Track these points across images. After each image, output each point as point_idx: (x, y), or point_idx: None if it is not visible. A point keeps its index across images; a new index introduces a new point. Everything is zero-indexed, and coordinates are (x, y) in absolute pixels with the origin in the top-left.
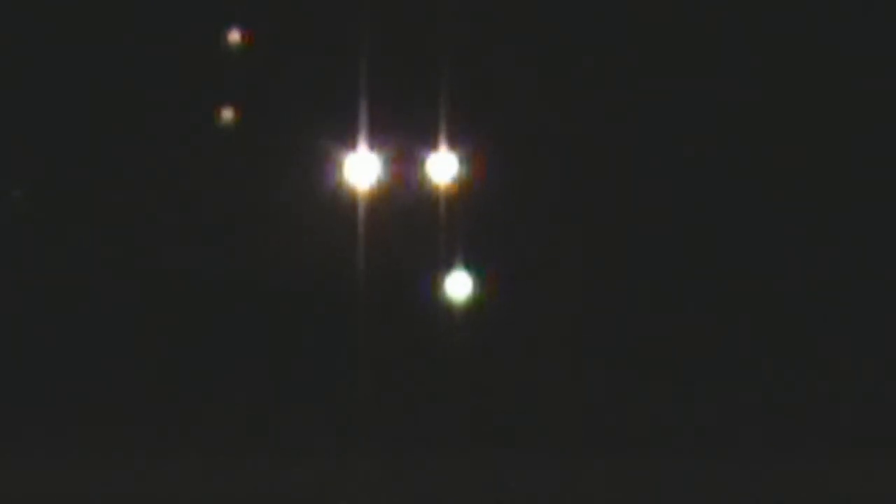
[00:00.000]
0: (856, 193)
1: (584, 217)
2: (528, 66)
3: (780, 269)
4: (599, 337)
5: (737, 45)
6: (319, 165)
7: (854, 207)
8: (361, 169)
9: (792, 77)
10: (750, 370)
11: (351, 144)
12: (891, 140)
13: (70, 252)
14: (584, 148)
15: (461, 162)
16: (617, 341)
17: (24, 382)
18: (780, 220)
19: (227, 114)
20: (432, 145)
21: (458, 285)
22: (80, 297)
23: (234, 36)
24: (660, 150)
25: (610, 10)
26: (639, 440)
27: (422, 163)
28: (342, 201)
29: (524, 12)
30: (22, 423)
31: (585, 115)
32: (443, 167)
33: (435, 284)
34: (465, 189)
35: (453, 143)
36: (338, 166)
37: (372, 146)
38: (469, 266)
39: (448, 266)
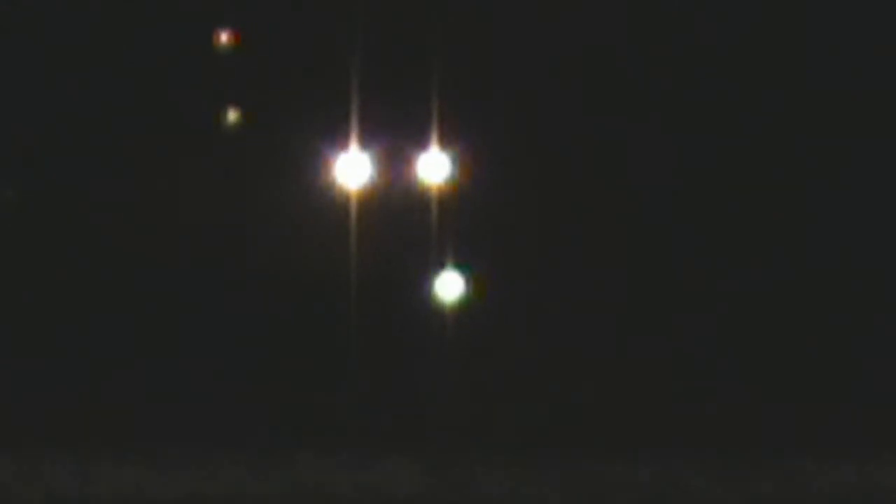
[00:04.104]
0: (855, 194)
1: (576, 216)
2: (520, 66)
3: (777, 269)
4: (592, 336)
5: (731, 46)
6: (311, 165)
7: (853, 208)
8: (353, 168)
9: (788, 77)
10: (747, 370)
11: (342, 144)
12: (890, 140)
13: (66, 252)
14: (576, 148)
15: (453, 161)
16: (610, 340)
17: (21, 381)
18: (777, 219)
19: (219, 114)
20: (424, 145)
21: (450, 285)
22: (77, 296)
23: (225, 37)
24: (652, 150)
25: (601, 11)
26: (635, 440)
27: (413, 162)
28: (333, 201)
29: (515, 13)
30: (20, 422)
31: (577, 115)
32: (434, 167)
33: (426, 284)
34: (457, 188)
35: (445, 143)
36: (329, 166)
37: (363, 146)
38: (460, 265)
39: (439, 265)
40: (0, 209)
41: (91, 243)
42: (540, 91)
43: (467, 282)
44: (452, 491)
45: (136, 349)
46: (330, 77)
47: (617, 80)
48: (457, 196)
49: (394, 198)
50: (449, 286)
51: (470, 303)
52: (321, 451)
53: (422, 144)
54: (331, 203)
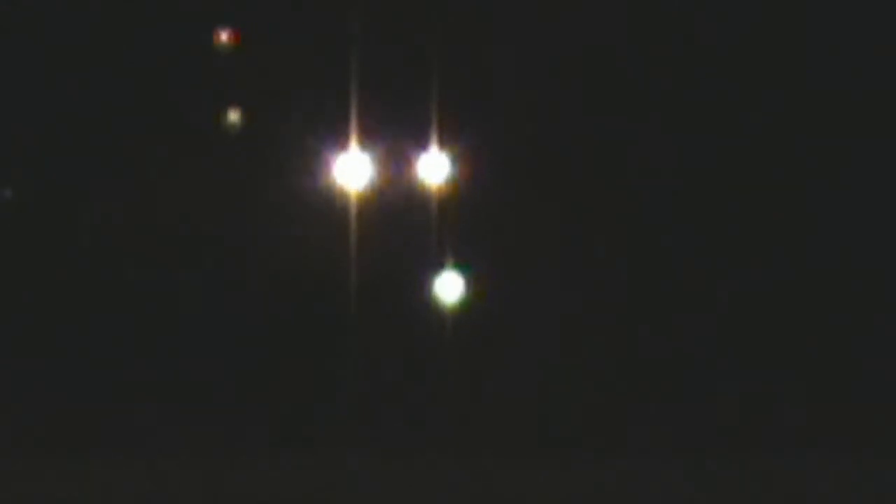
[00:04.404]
0: (855, 194)
1: (575, 216)
2: (519, 66)
3: (777, 269)
4: (590, 336)
5: (731, 46)
6: (311, 165)
7: (853, 208)
8: (353, 168)
9: (788, 77)
10: (747, 370)
11: (343, 145)
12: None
13: (66, 252)
14: (576, 148)
15: (453, 161)
16: (610, 340)
17: (21, 381)
18: (777, 219)
19: (219, 114)
20: (424, 145)
21: (450, 285)
22: (77, 296)
23: (225, 37)
24: (652, 150)
25: (601, 11)
26: (635, 440)
27: (413, 162)
28: (334, 201)
29: (514, 15)
30: (20, 423)
31: (577, 115)
32: (434, 167)
33: (426, 284)
34: (457, 188)
35: (445, 143)
36: (329, 166)
37: (363, 146)
38: (460, 265)
39: (439, 265)
40: (0, 209)
41: (91, 243)
42: (540, 91)
43: (467, 282)
44: (453, 491)
45: (136, 349)
46: (330, 77)
47: (617, 80)
48: (457, 196)
49: (394, 198)
50: (449, 286)
51: (470, 303)
52: (321, 451)
53: (422, 144)
54: (331, 203)
